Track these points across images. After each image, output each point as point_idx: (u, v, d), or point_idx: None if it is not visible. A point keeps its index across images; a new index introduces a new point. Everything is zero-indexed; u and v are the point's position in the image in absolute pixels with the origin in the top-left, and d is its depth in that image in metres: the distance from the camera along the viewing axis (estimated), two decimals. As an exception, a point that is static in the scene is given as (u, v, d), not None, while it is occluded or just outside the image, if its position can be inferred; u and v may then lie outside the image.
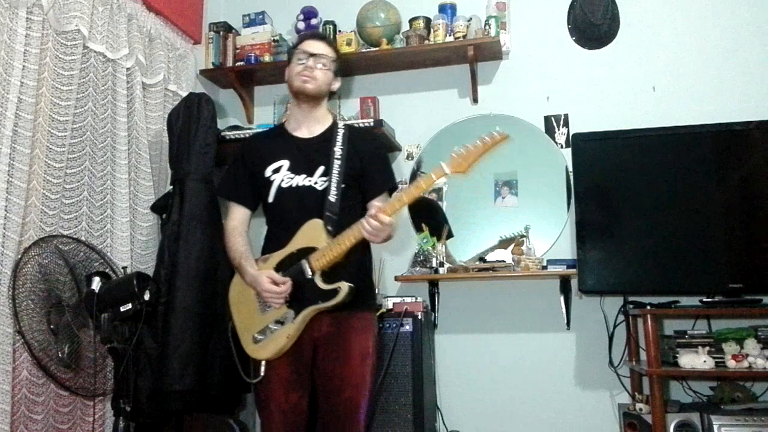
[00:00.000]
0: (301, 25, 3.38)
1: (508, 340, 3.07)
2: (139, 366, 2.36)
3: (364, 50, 3.26)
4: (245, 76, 3.43)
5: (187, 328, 2.56)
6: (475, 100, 3.24)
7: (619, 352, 2.88)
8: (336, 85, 2.17)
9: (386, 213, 1.86)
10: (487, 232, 3.08)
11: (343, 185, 2.04)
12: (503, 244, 3.03)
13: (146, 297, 2.08)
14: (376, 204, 1.96)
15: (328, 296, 1.92)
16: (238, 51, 3.40)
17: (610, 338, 2.90)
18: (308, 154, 2.09)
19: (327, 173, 2.05)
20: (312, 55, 2.08)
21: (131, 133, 2.80)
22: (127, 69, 2.77)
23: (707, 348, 2.48)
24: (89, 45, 2.55)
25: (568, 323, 2.98)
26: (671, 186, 2.74)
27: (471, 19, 3.15)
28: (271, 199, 2.08)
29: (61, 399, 2.37)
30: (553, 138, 3.14)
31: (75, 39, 2.47)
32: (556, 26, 3.22)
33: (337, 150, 2.08)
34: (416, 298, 2.85)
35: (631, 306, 2.77)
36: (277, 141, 2.16)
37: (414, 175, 3.22)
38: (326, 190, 2.03)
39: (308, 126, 2.15)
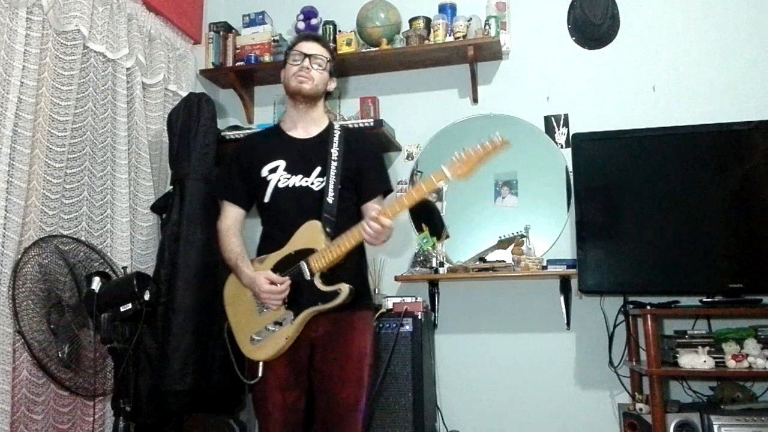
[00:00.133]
0: (301, 25, 3.37)
1: (508, 340, 3.07)
2: (139, 366, 2.36)
3: (364, 50, 3.26)
4: (245, 76, 3.43)
5: (187, 328, 2.56)
6: (475, 100, 3.24)
7: (619, 352, 2.88)
8: (332, 86, 2.17)
9: (387, 216, 1.86)
10: (487, 232, 3.08)
11: (340, 186, 2.03)
12: (503, 244, 3.03)
13: (146, 297, 2.09)
14: (376, 206, 1.96)
15: (328, 298, 1.92)
16: (238, 51, 3.40)
17: (610, 338, 2.90)
18: (305, 155, 2.08)
19: (324, 174, 2.05)
20: (307, 55, 2.08)
21: (131, 133, 2.80)
22: (127, 69, 2.78)
23: (707, 348, 2.48)
24: (89, 45, 2.55)
25: (568, 323, 2.98)
26: (671, 186, 2.74)
27: (471, 19, 3.15)
28: (267, 199, 2.07)
29: (61, 399, 2.37)
30: (553, 138, 3.13)
31: (75, 39, 2.47)
32: (556, 26, 3.22)
33: (334, 151, 2.07)
34: (416, 298, 2.85)
35: (631, 306, 2.77)
36: (274, 141, 2.15)
37: (414, 175, 3.22)
38: (323, 191, 2.02)
39: (305, 126, 2.14)
